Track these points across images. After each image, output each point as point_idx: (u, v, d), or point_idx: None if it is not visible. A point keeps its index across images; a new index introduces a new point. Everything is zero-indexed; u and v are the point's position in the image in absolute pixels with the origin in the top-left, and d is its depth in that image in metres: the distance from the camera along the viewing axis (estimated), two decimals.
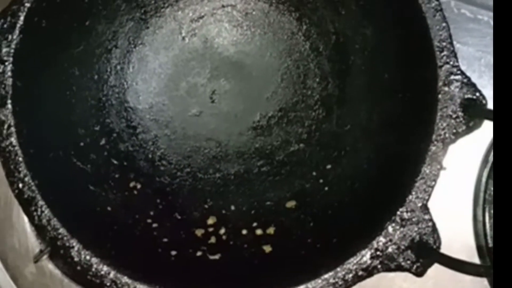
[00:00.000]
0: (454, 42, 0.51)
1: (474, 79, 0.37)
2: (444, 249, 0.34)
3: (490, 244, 0.44)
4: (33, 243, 0.47)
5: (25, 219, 0.48)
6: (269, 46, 0.47)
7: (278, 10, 0.47)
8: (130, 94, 0.45)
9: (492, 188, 0.46)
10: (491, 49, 0.51)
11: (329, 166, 0.43)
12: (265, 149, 0.45)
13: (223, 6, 0.47)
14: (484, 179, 0.46)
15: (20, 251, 0.47)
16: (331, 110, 0.45)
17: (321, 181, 0.42)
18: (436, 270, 0.34)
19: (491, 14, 0.51)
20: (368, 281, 0.35)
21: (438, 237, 0.34)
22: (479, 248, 0.45)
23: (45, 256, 0.46)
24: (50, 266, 0.46)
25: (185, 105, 0.46)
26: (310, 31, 0.46)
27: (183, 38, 0.47)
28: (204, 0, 0.47)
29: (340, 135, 0.43)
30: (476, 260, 0.45)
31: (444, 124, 0.35)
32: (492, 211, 0.45)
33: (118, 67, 0.45)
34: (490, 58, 0.50)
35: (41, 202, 0.35)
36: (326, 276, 0.33)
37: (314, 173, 0.43)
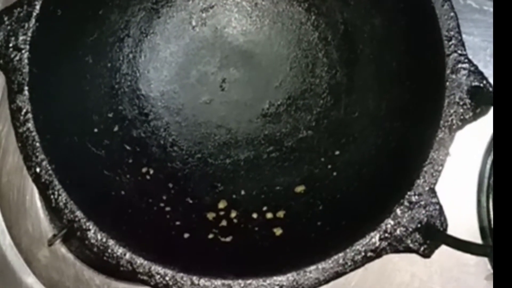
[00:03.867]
0: None
1: (479, 68, 0.37)
2: (450, 232, 0.34)
3: None
4: (46, 228, 0.48)
5: (38, 204, 0.49)
6: (278, 35, 0.47)
7: (287, 1, 0.47)
8: (142, 82, 0.46)
9: None
10: None
11: (337, 152, 0.43)
12: (274, 136, 0.46)
13: None
14: (488, 166, 0.47)
15: (33, 236, 0.48)
16: (339, 98, 0.45)
17: (329, 166, 0.43)
18: (441, 254, 0.34)
19: None
20: (374, 265, 0.36)
21: (445, 220, 0.34)
22: (482, 230, 0.46)
23: (58, 240, 0.47)
24: (63, 250, 0.47)
25: (195, 93, 0.47)
26: (318, 21, 0.47)
27: (194, 28, 0.48)
28: None
29: (348, 122, 0.44)
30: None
31: (452, 111, 0.35)
32: None
33: (130, 55, 0.46)
34: None
35: (58, 186, 0.35)
36: (335, 257, 0.33)
37: (322, 159, 0.43)
